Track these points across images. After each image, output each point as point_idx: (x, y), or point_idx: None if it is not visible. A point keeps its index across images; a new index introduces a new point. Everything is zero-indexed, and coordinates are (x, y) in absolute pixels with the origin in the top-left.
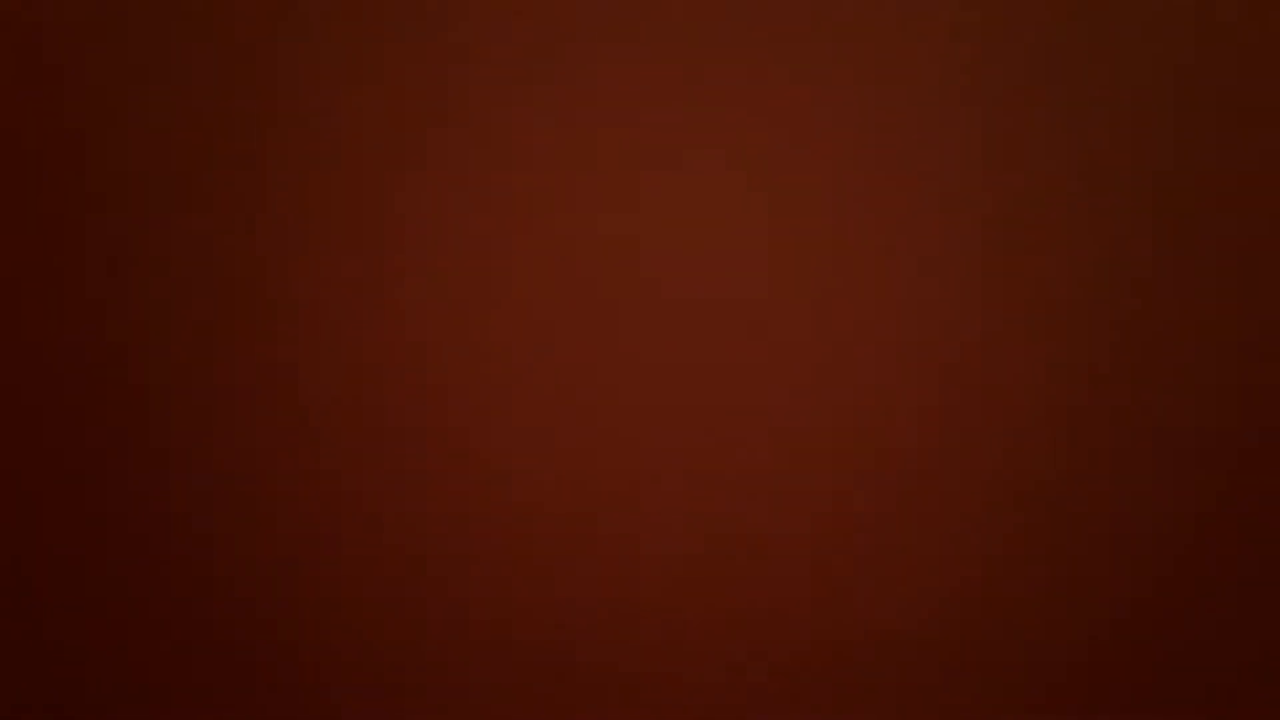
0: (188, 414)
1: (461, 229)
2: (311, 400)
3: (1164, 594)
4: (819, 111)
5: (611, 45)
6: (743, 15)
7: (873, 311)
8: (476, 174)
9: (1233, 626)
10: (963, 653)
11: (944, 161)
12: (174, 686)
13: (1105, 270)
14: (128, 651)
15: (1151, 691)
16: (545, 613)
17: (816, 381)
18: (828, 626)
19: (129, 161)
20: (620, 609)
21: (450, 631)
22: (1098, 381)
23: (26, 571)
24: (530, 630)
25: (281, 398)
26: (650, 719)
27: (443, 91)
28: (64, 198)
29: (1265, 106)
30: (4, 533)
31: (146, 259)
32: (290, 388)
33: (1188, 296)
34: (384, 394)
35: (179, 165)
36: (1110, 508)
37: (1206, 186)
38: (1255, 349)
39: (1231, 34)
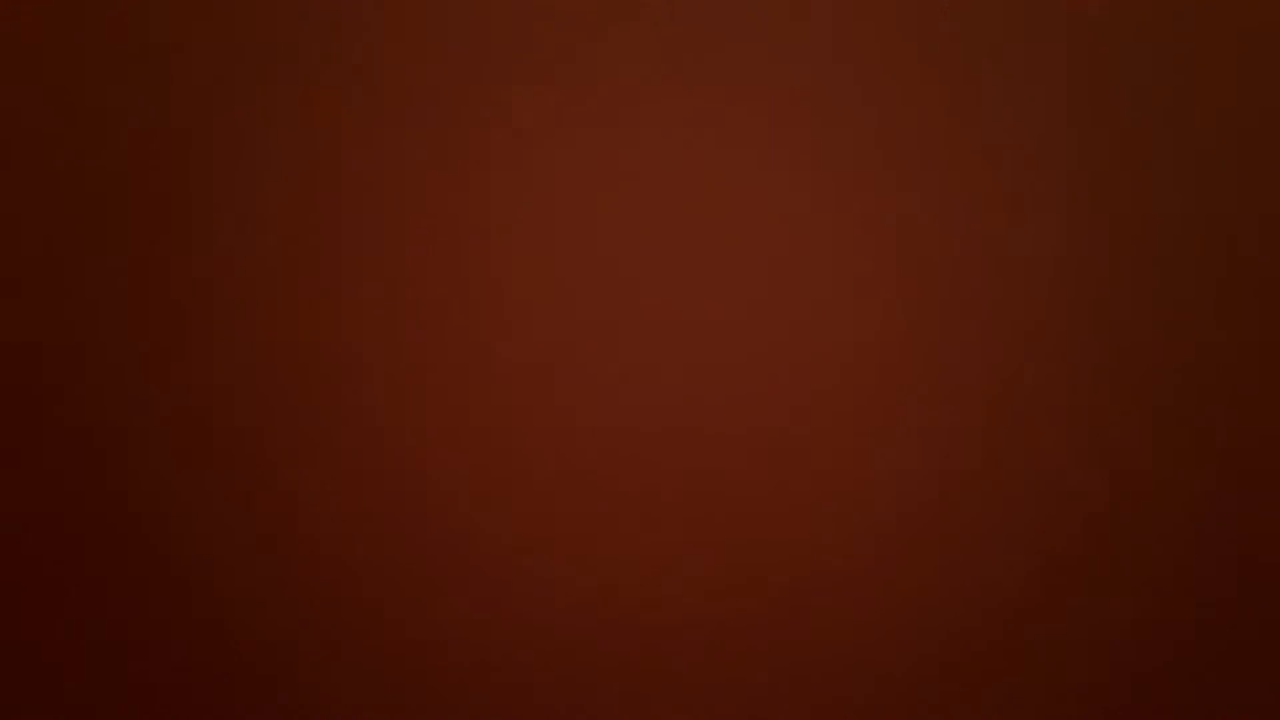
0: (181, 414)
1: (456, 228)
2: (304, 399)
3: (1168, 601)
4: (819, 111)
5: (611, 43)
6: (743, 14)
7: (872, 313)
8: (472, 174)
9: (1237, 632)
10: (964, 661)
11: (943, 162)
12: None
13: (1105, 272)
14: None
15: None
16: (539, 612)
17: (815, 382)
18: (826, 633)
19: (118, 160)
20: (616, 614)
21: (447, 624)
22: (1100, 384)
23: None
24: (528, 629)
25: (270, 395)
26: None
27: (437, 90)
28: (58, 197)
29: (1265, 107)
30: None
31: (137, 259)
32: (281, 386)
33: (1188, 298)
34: (378, 394)
35: (170, 165)
36: (1111, 511)
37: (1207, 188)
38: (1258, 351)
39: (1231, 35)
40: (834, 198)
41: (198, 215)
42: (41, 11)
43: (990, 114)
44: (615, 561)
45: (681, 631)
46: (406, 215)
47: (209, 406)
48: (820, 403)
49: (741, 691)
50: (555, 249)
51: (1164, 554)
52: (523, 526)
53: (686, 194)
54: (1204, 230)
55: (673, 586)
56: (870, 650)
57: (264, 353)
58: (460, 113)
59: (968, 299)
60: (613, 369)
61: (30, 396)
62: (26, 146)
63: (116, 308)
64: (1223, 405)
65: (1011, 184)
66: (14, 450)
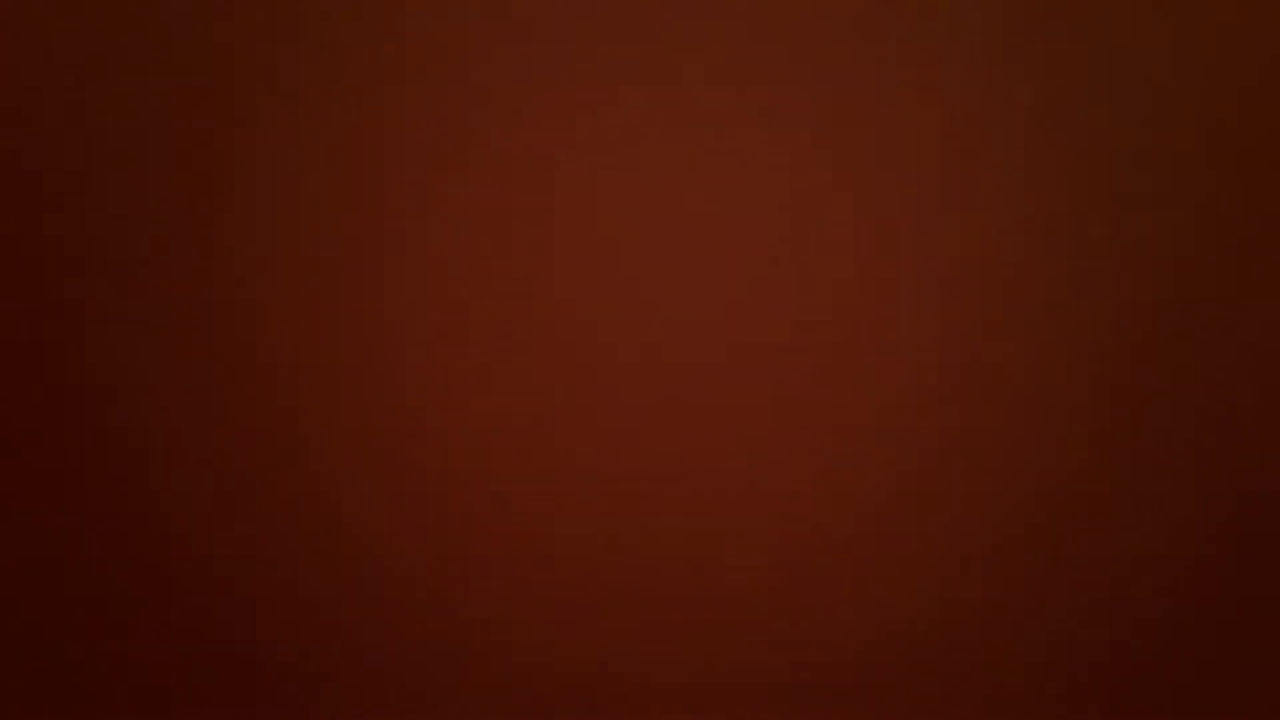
0: (185, 416)
1: (464, 228)
2: (311, 400)
3: (1160, 599)
4: (821, 113)
5: (616, 47)
6: (745, 18)
7: (869, 312)
8: (478, 175)
9: (1233, 628)
10: (953, 655)
11: (941, 163)
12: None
13: (1101, 271)
14: (119, 653)
15: (1146, 696)
16: (534, 608)
17: (812, 382)
18: (820, 626)
19: (128, 160)
20: (612, 606)
21: (441, 625)
22: (1092, 383)
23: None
24: (520, 627)
25: (279, 397)
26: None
27: (446, 93)
28: (62, 197)
29: (1264, 106)
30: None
31: (147, 260)
32: (287, 387)
33: (1186, 298)
34: (382, 392)
35: (184, 165)
36: (1103, 509)
37: (1208, 188)
38: (1257, 351)
39: (1233, 34)
40: (837, 199)
41: (213, 210)
42: (68, 28)
43: (992, 114)
44: (613, 552)
45: (677, 626)
46: (434, 212)
47: (213, 403)
48: (824, 403)
49: (735, 686)
50: (560, 248)
51: (1167, 555)
52: (525, 525)
53: (693, 194)
54: (1207, 233)
55: (670, 584)
56: (861, 643)
57: (300, 347)
58: (473, 115)
59: (963, 298)
60: (618, 367)
61: (73, 392)
62: (67, 167)
63: (150, 310)
64: (1225, 405)
65: (1009, 185)
66: (56, 449)
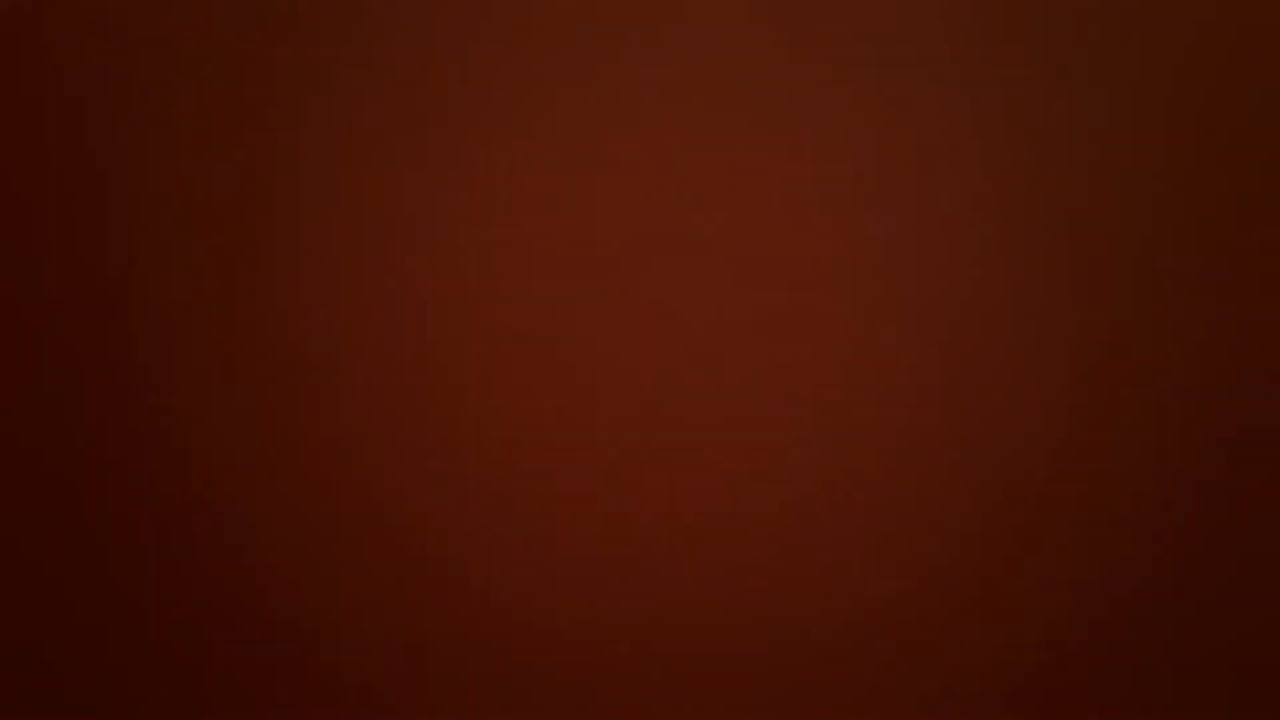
0: (197, 411)
1: (467, 229)
2: (317, 397)
3: (1156, 598)
4: (821, 115)
5: (620, 47)
6: (746, 21)
7: (866, 309)
8: (483, 176)
9: (1217, 623)
10: (948, 652)
11: (943, 162)
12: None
13: (1098, 270)
14: (129, 652)
15: (1135, 691)
16: (542, 600)
17: (811, 380)
18: (820, 620)
19: (134, 160)
20: (612, 599)
21: (446, 617)
22: (1086, 379)
23: (27, 571)
24: (523, 618)
25: (285, 395)
26: (629, 707)
27: (450, 93)
28: (70, 199)
29: (1266, 104)
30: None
31: (154, 259)
32: (296, 385)
33: (1187, 297)
34: (386, 392)
35: (189, 168)
36: (1096, 508)
37: (1208, 186)
38: (1255, 350)
39: (1233, 31)
40: (836, 200)
41: (220, 212)
42: (55, 14)
43: (994, 113)
44: (611, 546)
45: (676, 612)
46: (428, 215)
47: (223, 398)
48: (823, 401)
49: (732, 673)
50: (562, 249)
51: (1162, 555)
52: (527, 522)
53: (696, 195)
54: (1207, 231)
55: (669, 579)
56: (856, 638)
57: (281, 352)
58: (478, 114)
59: (959, 297)
60: (621, 364)
61: (33, 390)
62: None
63: (124, 303)
64: (1222, 404)
65: (1009, 184)
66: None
